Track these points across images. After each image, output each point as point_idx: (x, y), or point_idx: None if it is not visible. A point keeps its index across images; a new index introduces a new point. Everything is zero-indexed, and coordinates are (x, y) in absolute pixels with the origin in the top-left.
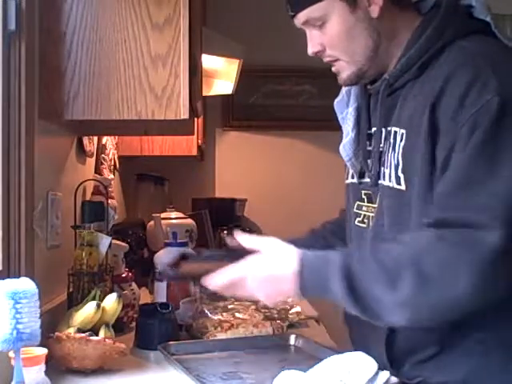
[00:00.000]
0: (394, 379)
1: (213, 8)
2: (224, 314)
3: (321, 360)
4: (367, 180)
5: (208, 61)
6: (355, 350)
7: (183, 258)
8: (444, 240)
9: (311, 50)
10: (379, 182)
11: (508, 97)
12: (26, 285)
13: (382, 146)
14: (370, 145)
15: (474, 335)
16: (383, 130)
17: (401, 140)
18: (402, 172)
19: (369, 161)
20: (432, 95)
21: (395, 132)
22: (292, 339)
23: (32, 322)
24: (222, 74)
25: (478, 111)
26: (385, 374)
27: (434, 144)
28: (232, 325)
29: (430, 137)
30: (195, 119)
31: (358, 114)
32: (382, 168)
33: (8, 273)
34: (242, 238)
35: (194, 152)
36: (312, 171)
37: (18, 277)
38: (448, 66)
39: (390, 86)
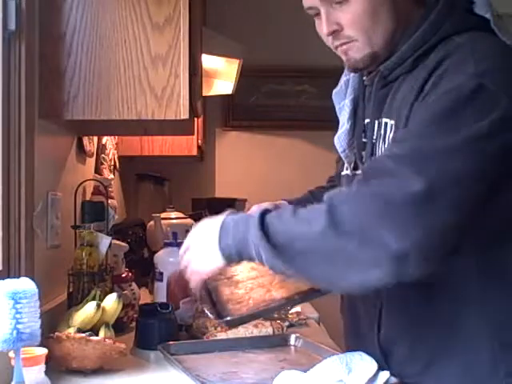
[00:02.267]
0: (393, 379)
1: (213, 8)
2: None
3: (321, 360)
4: (360, 172)
5: (208, 61)
6: (351, 348)
7: None
8: (363, 187)
9: (327, 29)
10: None
11: (484, 84)
12: (26, 285)
13: (374, 137)
14: (365, 136)
15: (462, 351)
16: (376, 121)
17: (390, 131)
18: None
19: (363, 152)
20: (417, 86)
21: (385, 123)
22: (292, 339)
23: (32, 322)
24: (222, 74)
25: (451, 88)
26: (385, 374)
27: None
28: None
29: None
30: (195, 119)
31: (355, 105)
32: None
33: (8, 273)
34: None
35: (194, 152)
36: (312, 171)
37: (18, 277)
38: (436, 59)
39: (384, 78)
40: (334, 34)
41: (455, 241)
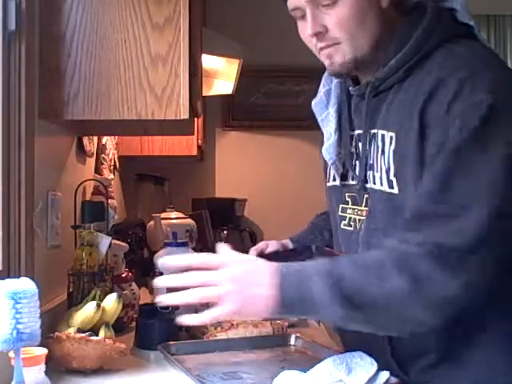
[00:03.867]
0: (393, 379)
1: (213, 8)
2: None
3: (321, 360)
4: (352, 183)
5: (208, 61)
6: (351, 347)
7: None
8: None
9: (313, 29)
10: (367, 185)
11: (500, 97)
12: (25, 285)
13: (367, 148)
14: (356, 147)
15: (476, 344)
16: (368, 132)
17: (390, 144)
18: (394, 176)
19: (357, 162)
20: (421, 99)
21: (383, 135)
22: (292, 339)
23: (32, 322)
24: (222, 74)
25: (468, 108)
26: (385, 374)
27: (424, 143)
28: (232, 325)
29: (421, 138)
30: (195, 119)
31: (340, 116)
32: (371, 172)
33: (8, 273)
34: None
35: (194, 152)
36: (312, 171)
37: (18, 277)
38: (439, 69)
39: (376, 88)
40: (319, 35)
41: None
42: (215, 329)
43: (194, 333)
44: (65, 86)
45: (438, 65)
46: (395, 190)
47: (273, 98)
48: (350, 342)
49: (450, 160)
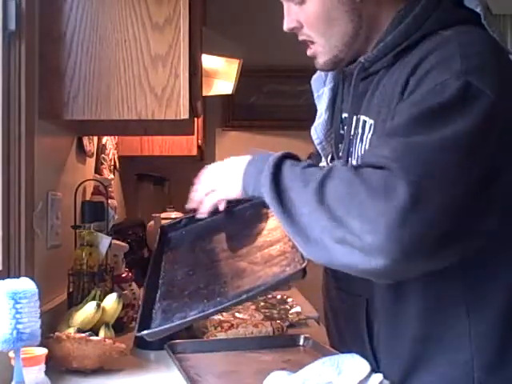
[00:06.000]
0: (386, 382)
1: (213, 8)
2: (224, 313)
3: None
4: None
5: (208, 61)
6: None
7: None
8: (359, 175)
9: (286, 25)
10: None
11: (470, 81)
12: (26, 285)
13: (352, 134)
14: (343, 128)
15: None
16: (354, 117)
17: (369, 131)
18: None
19: (340, 145)
20: (399, 86)
21: (364, 121)
22: (301, 340)
23: (32, 322)
24: (222, 74)
25: (433, 89)
26: (377, 377)
27: None
28: (232, 325)
29: None
30: (195, 119)
31: (333, 95)
32: (350, 158)
33: (8, 273)
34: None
35: (194, 152)
36: None
37: (18, 277)
38: (420, 53)
39: (364, 71)
40: (295, 30)
41: (444, 247)
42: (215, 329)
43: (193, 333)
44: (65, 86)
45: (422, 50)
46: None
47: (273, 98)
48: (334, 342)
49: (404, 120)
